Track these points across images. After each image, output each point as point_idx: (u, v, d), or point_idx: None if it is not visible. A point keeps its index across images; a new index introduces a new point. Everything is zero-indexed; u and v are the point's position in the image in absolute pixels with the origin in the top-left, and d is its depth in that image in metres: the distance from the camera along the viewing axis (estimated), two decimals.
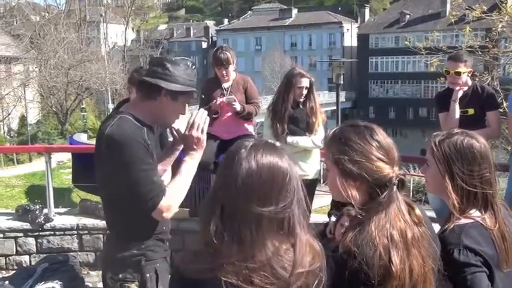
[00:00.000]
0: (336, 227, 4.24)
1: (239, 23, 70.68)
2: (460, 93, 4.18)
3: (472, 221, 1.87)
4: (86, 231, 4.98)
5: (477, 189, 1.88)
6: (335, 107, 21.17)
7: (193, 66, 2.40)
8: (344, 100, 45.92)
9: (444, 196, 1.93)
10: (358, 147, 1.63)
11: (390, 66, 55.79)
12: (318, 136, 4.42)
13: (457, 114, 4.19)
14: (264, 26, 64.71)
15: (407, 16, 54.21)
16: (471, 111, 4.22)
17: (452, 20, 10.67)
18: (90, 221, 5.00)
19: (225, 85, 4.66)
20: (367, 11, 63.56)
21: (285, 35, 63.21)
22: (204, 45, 69.38)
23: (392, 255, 1.53)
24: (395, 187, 1.62)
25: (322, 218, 4.92)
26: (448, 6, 51.24)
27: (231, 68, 4.59)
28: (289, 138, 4.38)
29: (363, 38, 56.56)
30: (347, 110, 53.54)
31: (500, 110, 4.49)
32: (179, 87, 2.27)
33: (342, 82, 16.94)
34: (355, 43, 58.35)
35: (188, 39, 69.26)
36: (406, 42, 12.18)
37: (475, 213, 1.89)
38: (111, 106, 44.33)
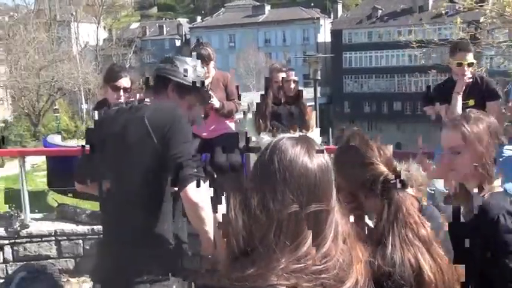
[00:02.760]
0: None
1: (212, 20, 70.19)
2: (464, 85, 4.09)
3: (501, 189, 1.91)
4: (65, 237, 4.80)
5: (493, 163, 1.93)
6: (312, 103, 21.26)
7: (204, 67, 2.48)
8: (319, 96, 46.05)
9: (472, 180, 1.90)
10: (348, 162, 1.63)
11: (364, 61, 56.04)
12: (315, 134, 4.34)
13: (460, 107, 4.09)
14: (237, 23, 64.37)
15: (380, 11, 54.52)
16: (471, 102, 4.12)
17: (443, 12, 10.63)
18: (68, 226, 4.83)
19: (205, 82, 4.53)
20: (339, 6, 63.72)
21: (259, 31, 63.04)
22: (178, 43, 68.78)
23: (421, 262, 1.48)
24: (393, 186, 1.55)
25: None
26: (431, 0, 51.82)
27: (212, 64, 4.47)
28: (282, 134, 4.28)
29: (336, 34, 56.72)
30: (323, 105, 53.59)
31: None
32: (185, 83, 2.31)
33: (319, 77, 16.91)
34: (328, 39, 58.50)
35: (161, 37, 68.57)
36: (401, 37, 12.13)
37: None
38: (84, 106, 43.76)
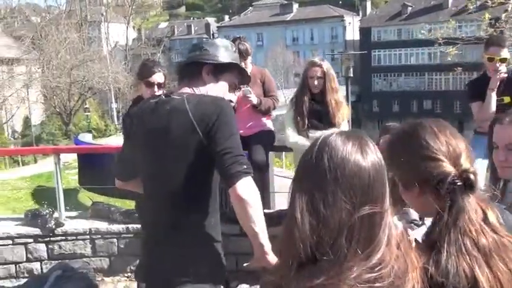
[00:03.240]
0: None
1: (240, 19, 70.32)
2: (498, 81, 3.94)
3: None
4: (99, 236, 4.75)
5: None
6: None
7: (234, 48, 2.31)
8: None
9: None
10: (406, 154, 1.44)
11: (393, 59, 55.36)
12: (342, 129, 4.19)
13: (494, 104, 3.94)
14: (265, 21, 64.35)
15: (409, 8, 53.75)
16: (507, 99, 3.98)
17: (471, 7, 10.36)
18: (103, 225, 4.78)
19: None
20: (368, 4, 62.98)
21: (287, 30, 62.87)
22: None
23: (477, 273, 1.31)
24: (459, 188, 1.37)
25: None
26: None
27: (249, 59, 4.37)
28: (312, 133, 4.15)
29: (365, 32, 56.12)
30: (352, 103, 53.22)
31: None
32: (219, 60, 2.22)
33: (351, 75, 16.74)
34: (357, 37, 57.93)
35: (189, 37, 68.87)
36: (423, 31, 11.86)
37: None
38: (114, 106, 44.25)
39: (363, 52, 44.35)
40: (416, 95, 53.65)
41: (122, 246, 4.74)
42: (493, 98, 3.97)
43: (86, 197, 14.54)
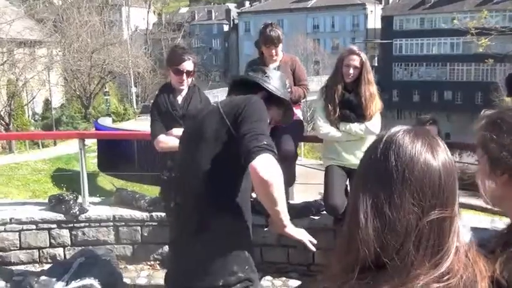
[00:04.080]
0: None
1: (261, 5, 69.72)
2: None
3: None
4: (123, 223, 4.70)
5: None
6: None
7: (289, 89, 2.47)
8: None
9: None
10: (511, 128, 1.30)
11: (415, 49, 54.60)
12: (374, 122, 4.06)
13: None
14: (286, 8, 63.73)
15: None
16: None
17: None
18: (127, 212, 4.73)
19: (272, 66, 4.30)
20: None
21: (307, 17, 62.23)
22: (226, 28, 68.81)
23: None
24: None
25: None
26: None
27: (280, 47, 4.25)
28: (343, 125, 4.04)
29: (387, 20, 55.37)
30: None
31: None
32: (276, 92, 2.27)
33: (376, 64, 16.50)
34: (379, 25, 57.20)
35: (210, 22, 68.72)
36: (455, 21, 11.59)
37: None
38: (133, 90, 44.37)
39: (388, 41, 43.70)
40: (437, 85, 52.96)
41: (146, 234, 4.69)
42: None
43: (105, 181, 14.60)
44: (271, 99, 2.24)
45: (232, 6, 74.51)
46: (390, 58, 54.71)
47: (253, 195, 2.28)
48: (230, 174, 2.04)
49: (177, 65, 3.58)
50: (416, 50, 54.49)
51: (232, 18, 69.16)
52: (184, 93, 3.70)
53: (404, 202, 1.07)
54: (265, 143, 1.92)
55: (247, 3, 75.45)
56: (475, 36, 9.38)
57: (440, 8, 51.78)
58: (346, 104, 4.05)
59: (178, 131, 3.62)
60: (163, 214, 4.59)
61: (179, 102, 3.67)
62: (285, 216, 2.02)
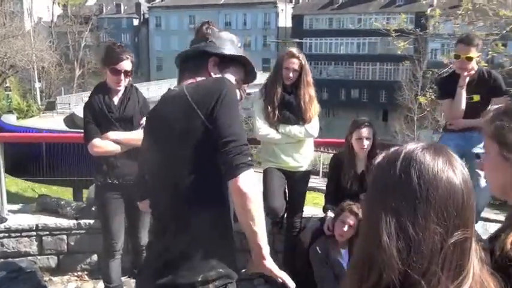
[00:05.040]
0: (335, 223, 3.91)
1: (172, 0, 68.82)
2: (467, 79, 3.93)
3: None
4: (47, 232, 4.36)
5: None
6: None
7: (239, 45, 2.17)
8: None
9: None
10: None
11: (324, 48, 56.31)
12: (313, 125, 4.05)
13: (464, 101, 3.95)
14: (197, 3, 63.29)
15: None
16: (477, 97, 3.99)
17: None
18: (51, 220, 4.39)
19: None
20: None
21: (219, 13, 62.19)
22: (136, 22, 67.15)
23: None
24: None
25: (312, 212, 4.61)
26: None
27: None
28: (282, 127, 3.99)
29: (297, 19, 56.65)
30: None
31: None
32: (227, 52, 2.09)
33: None
34: (289, 24, 58.34)
35: (119, 16, 66.69)
36: (376, 24, 11.95)
37: None
38: (38, 85, 42.10)
39: (298, 40, 44.64)
40: (344, 84, 54.95)
41: (72, 243, 4.39)
42: (463, 96, 3.96)
43: (24, 187, 13.70)
44: (225, 61, 2.10)
45: (142, 0, 72.89)
46: None
47: None
48: (207, 170, 1.90)
49: (115, 64, 3.36)
50: (325, 49, 56.20)
51: (142, 12, 67.62)
52: (120, 93, 3.48)
53: (429, 222, 1.03)
54: (250, 159, 1.84)
55: None
56: (395, 38, 9.72)
57: (347, 9, 53.77)
58: (285, 106, 4.00)
59: (114, 135, 3.41)
60: (92, 221, 4.31)
61: (115, 103, 3.45)
62: (264, 242, 1.88)
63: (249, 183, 1.81)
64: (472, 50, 3.89)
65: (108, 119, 3.40)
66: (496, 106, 1.40)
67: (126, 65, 3.40)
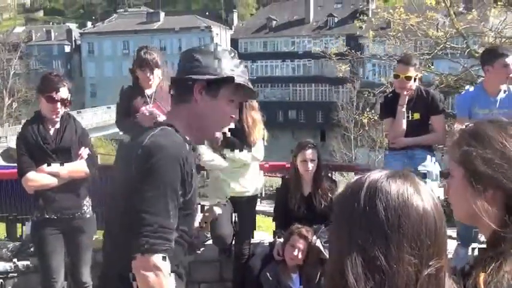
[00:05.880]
0: (284, 248, 3.86)
1: (104, 26, 67.73)
2: (407, 98, 4.01)
3: None
4: None
5: None
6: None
7: (233, 54, 1.89)
8: None
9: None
10: (497, 144, 1.24)
11: (260, 71, 56.98)
12: (258, 148, 4.00)
13: (405, 120, 4.02)
14: (131, 29, 62.70)
15: (274, 22, 55.80)
16: (416, 115, 4.07)
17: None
18: None
19: (148, 92, 4.03)
20: (235, 16, 64.43)
21: (153, 38, 61.73)
22: (67, 49, 65.58)
23: None
24: None
25: (262, 237, 4.53)
26: (312, 13, 53.92)
27: (157, 72, 4.00)
28: (227, 152, 3.91)
29: (232, 43, 57.18)
30: None
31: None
32: (213, 77, 1.81)
33: None
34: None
35: (49, 43, 64.92)
36: (306, 44, 12.20)
37: None
38: None
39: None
40: (281, 105, 55.67)
41: (10, 287, 4.10)
42: (403, 114, 4.04)
43: None
44: (214, 84, 1.82)
45: (73, 26, 71.40)
46: None
47: None
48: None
49: (51, 92, 3.19)
50: (262, 72, 56.88)
51: (74, 39, 66.16)
52: (57, 123, 3.30)
53: (403, 252, 0.97)
54: (165, 243, 1.66)
55: (89, 24, 72.87)
56: (335, 61, 9.95)
57: (280, 32, 54.81)
58: (229, 130, 3.93)
59: (50, 168, 3.23)
60: (29, 262, 4.06)
61: (51, 133, 3.27)
62: None
63: (156, 266, 1.64)
64: (410, 69, 3.98)
65: (44, 150, 3.22)
66: (461, 127, 1.36)
67: (63, 92, 3.24)
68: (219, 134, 1.95)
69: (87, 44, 63.78)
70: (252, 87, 1.94)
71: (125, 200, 1.72)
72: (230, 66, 1.85)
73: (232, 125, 1.99)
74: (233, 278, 4.14)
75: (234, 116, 1.95)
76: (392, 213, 0.98)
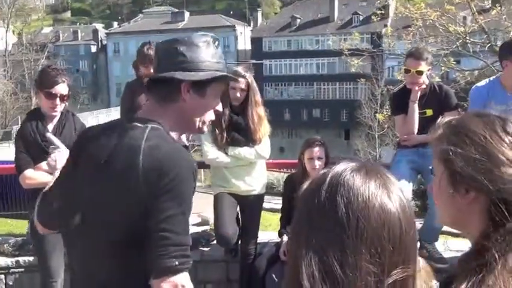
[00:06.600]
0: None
1: (130, 26, 68.50)
2: (419, 93, 3.86)
3: None
4: None
5: None
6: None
7: (217, 43, 1.78)
8: None
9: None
10: (480, 140, 1.10)
11: (283, 69, 56.84)
12: (263, 146, 3.90)
13: (417, 116, 3.87)
14: (156, 29, 63.10)
15: (298, 20, 55.55)
16: (429, 112, 3.92)
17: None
18: None
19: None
20: (259, 14, 64.28)
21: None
22: (94, 48, 66.48)
23: None
24: None
25: (269, 237, 4.44)
26: (336, 11, 53.54)
27: None
28: (232, 150, 3.82)
29: (256, 42, 57.12)
30: None
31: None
32: (202, 74, 1.68)
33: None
34: (248, 46, 58.79)
35: (76, 43, 65.93)
36: (329, 42, 12.10)
37: None
38: None
39: (258, 62, 44.98)
40: (305, 104, 55.45)
41: (11, 283, 4.08)
42: (415, 111, 3.89)
43: None
44: (200, 84, 1.71)
45: (99, 26, 72.32)
46: (261, 78, 56.32)
47: None
48: (135, 232, 1.59)
49: (49, 87, 3.14)
50: (285, 71, 56.73)
51: (100, 39, 67.02)
52: (55, 120, 3.25)
53: (361, 260, 0.86)
54: (187, 260, 1.56)
55: (115, 24, 73.74)
56: (348, 56, 9.76)
57: (305, 30, 54.52)
58: (234, 127, 3.84)
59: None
60: (31, 258, 4.03)
61: (50, 130, 3.22)
62: None
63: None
64: (421, 63, 3.83)
65: (42, 148, 3.17)
66: (445, 120, 1.22)
67: (62, 88, 3.19)
68: (204, 128, 1.83)
69: (113, 43, 64.49)
70: (230, 74, 1.90)
71: (126, 215, 1.58)
72: (215, 58, 1.75)
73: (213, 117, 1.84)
74: (239, 279, 4.06)
75: (218, 109, 1.83)
76: (352, 213, 0.88)
